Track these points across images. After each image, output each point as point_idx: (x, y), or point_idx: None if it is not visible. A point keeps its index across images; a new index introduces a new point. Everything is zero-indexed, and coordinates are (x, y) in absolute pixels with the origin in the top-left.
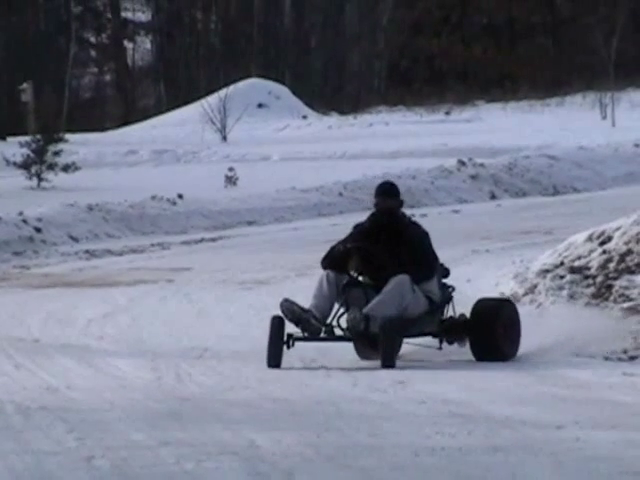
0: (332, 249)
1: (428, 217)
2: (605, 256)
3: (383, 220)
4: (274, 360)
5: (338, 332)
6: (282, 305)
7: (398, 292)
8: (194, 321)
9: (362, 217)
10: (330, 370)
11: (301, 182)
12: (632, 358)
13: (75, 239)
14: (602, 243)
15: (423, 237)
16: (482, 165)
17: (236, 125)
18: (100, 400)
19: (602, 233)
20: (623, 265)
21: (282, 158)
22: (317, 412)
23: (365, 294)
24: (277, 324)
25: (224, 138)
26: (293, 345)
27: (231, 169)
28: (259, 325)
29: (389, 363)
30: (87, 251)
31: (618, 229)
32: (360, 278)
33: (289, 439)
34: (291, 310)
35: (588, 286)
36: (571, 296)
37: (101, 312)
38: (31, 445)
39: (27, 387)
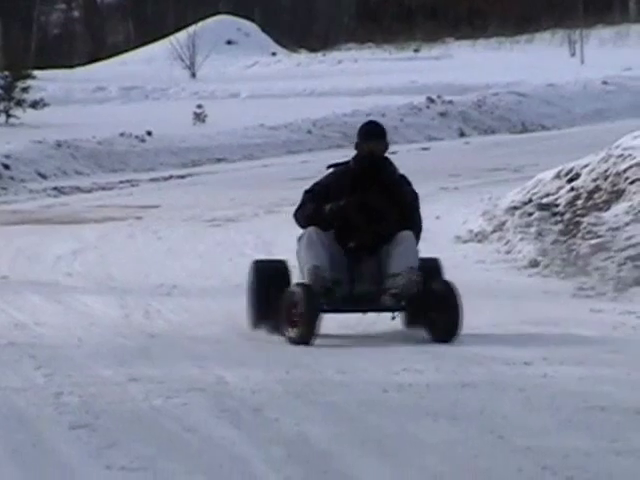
0: (318, 207)
1: (398, 154)
2: (573, 193)
3: (372, 166)
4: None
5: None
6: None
7: (414, 248)
8: (163, 258)
9: (331, 155)
10: None
11: (270, 119)
12: (599, 294)
13: (43, 176)
14: (570, 180)
15: (416, 197)
16: (451, 102)
17: (205, 62)
18: (69, 337)
19: (570, 170)
20: (591, 202)
21: (251, 95)
22: (285, 349)
23: (378, 261)
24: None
25: (193, 75)
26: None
27: (200, 106)
28: (228, 262)
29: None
30: (55, 188)
31: (586, 166)
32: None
33: (257, 375)
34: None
35: (556, 223)
36: (539, 233)
37: (70, 249)
38: None
39: None
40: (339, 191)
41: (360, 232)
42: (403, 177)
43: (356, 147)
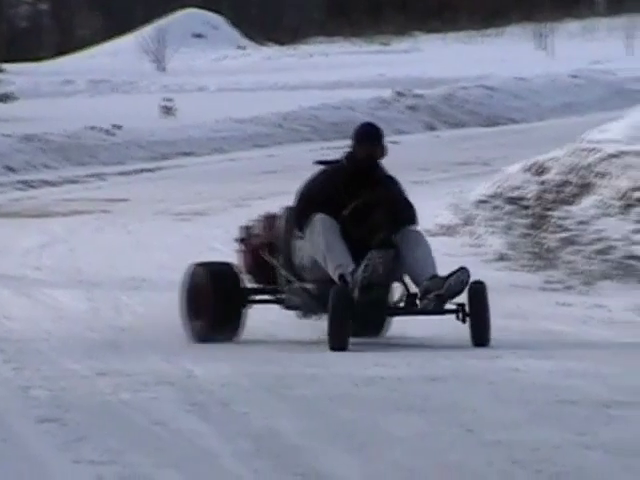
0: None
1: None
2: (542, 187)
3: (367, 169)
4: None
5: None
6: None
7: (429, 247)
8: (131, 252)
9: (300, 149)
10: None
11: (239, 113)
12: (567, 288)
13: (12, 169)
14: (539, 174)
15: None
16: (420, 96)
17: (174, 55)
18: (37, 330)
19: (539, 164)
20: (559, 196)
21: (220, 89)
22: (255, 343)
23: (395, 259)
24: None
25: (161, 68)
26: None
27: (169, 99)
28: (196, 256)
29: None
30: (24, 181)
31: (555, 160)
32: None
33: (226, 369)
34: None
35: (525, 217)
36: (508, 227)
37: (38, 242)
38: None
39: None
40: (333, 192)
41: (377, 228)
42: (391, 177)
43: (352, 149)
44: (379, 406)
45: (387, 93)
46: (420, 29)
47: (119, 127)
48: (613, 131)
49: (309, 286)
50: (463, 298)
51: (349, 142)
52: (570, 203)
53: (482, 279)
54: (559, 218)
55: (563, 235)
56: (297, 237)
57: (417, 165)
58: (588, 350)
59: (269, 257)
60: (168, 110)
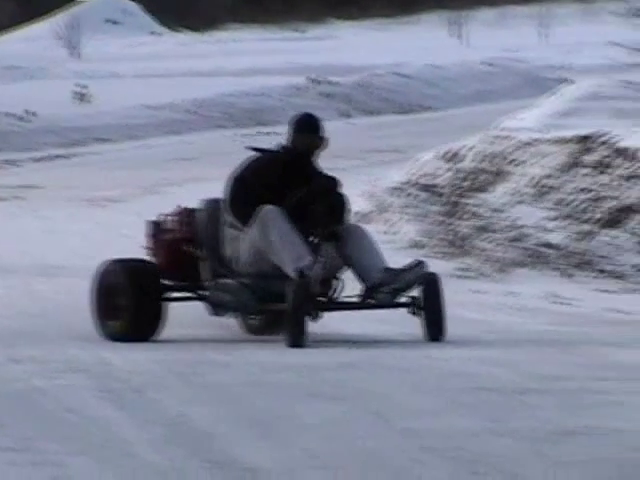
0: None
1: (282, 136)
2: (455, 174)
3: (304, 163)
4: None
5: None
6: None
7: (374, 240)
8: (46, 239)
9: (214, 135)
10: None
11: (153, 99)
12: (481, 275)
13: None
14: (453, 161)
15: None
16: (335, 83)
17: (88, 42)
18: None
19: (453, 151)
20: (473, 183)
21: (135, 75)
22: (169, 331)
23: (338, 251)
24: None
25: (76, 55)
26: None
27: (83, 86)
28: (109, 242)
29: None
30: None
31: (468, 147)
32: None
33: (140, 356)
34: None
35: (438, 204)
36: (421, 214)
37: None
38: None
39: None
40: (270, 182)
41: (319, 221)
42: (334, 180)
43: (291, 139)
44: (292, 393)
45: (302, 80)
46: (335, 16)
47: (33, 113)
48: (527, 119)
49: (245, 280)
50: (416, 291)
51: (286, 131)
52: (484, 191)
53: (394, 265)
54: (473, 206)
55: (477, 223)
56: (229, 228)
57: (331, 152)
58: (501, 337)
59: (195, 251)
60: (82, 96)
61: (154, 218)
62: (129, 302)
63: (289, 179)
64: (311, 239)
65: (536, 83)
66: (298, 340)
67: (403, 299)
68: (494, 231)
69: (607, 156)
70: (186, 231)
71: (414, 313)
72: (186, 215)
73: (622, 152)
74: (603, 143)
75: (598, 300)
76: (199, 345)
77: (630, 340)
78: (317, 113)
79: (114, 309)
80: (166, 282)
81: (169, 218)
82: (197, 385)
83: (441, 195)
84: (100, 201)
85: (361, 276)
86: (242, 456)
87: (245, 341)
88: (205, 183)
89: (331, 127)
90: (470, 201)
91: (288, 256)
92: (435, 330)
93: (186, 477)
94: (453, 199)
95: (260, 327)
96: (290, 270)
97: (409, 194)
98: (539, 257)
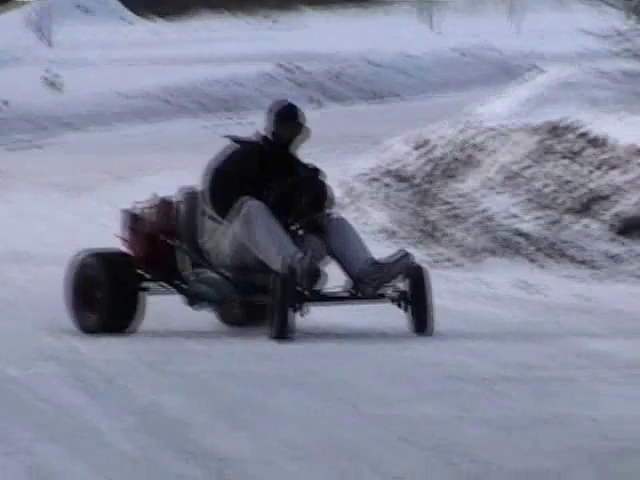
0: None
1: (256, 124)
2: (427, 162)
3: (285, 153)
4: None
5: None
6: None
7: (357, 232)
8: (15, 226)
9: (188, 124)
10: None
11: (125, 87)
12: (452, 263)
13: None
14: (424, 150)
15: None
16: (306, 72)
17: (60, 29)
18: None
19: (424, 139)
20: (444, 171)
21: (106, 63)
22: (144, 319)
23: (322, 243)
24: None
25: (47, 42)
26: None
27: (55, 74)
28: (80, 230)
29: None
30: None
31: (440, 136)
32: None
33: (112, 345)
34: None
35: (410, 192)
36: (393, 202)
37: None
38: None
39: None
40: (249, 173)
41: (304, 211)
42: (316, 170)
43: (272, 128)
44: (265, 382)
45: (274, 68)
46: (306, 4)
47: (5, 102)
48: (497, 107)
49: (226, 272)
50: (403, 284)
51: (265, 120)
52: (454, 178)
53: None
54: (444, 194)
55: (448, 211)
56: (208, 219)
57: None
58: (473, 326)
59: (173, 242)
60: (54, 84)
61: (129, 208)
62: (105, 294)
63: (270, 170)
64: (294, 228)
65: (507, 71)
66: (282, 332)
67: (391, 292)
68: (465, 219)
69: (578, 144)
70: (163, 222)
71: (399, 306)
72: (163, 205)
73: (593, 140)
74: (574, 131)
75: (569, 288)
76: (173, 336)
77: (601, 328)
78: None
79: (89, 302)
80: (142, 273)
81: (145, 208)
82: (171, 374)
83: (412, 183)
84: (72, 189)
85: (346, 268)
86: (216, 446)
87: (220, 332)
88: (177, 171)
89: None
90: (441, 189)
91: (274, 251)
92: (422, 324)
93: (159, 466)
94: (424, 187)
95: (240, 318)
96: (277, 265)
97: (380, 182)
98: (510, 245)
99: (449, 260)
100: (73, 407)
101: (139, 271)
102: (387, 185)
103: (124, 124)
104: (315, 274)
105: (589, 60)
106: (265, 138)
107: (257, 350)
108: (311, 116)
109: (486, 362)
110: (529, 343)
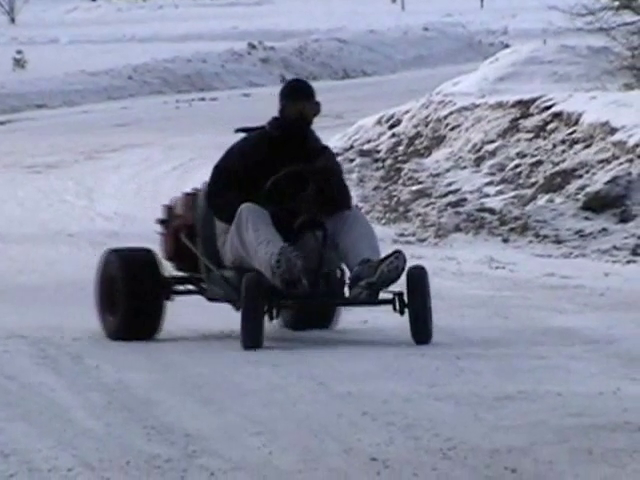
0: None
1: (219, 101)
2: (394, 139)
3: (297, 133)
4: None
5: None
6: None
7: (372, 229)
8: None
9: (152, 101)
10: None
11: (90, 65)
12: (420, 240)
13: None
14: (391, 126)
15: (342, 171)
16: (272, 49)
17: (24, 7)
18: None
19: (391, 116)
20: (412, 148)
21: (71, 41)
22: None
23: (323, 242)
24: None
25: (12, 20)
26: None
27: (19, 52)
28: (48, 209)
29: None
30: None
31: (407, 112)
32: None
33: (78, 322)
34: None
35: (377, 169)
36: (360, 179)
37: None
38: None
39: None
40: (254, 166)
41: (304, 207)
42: (327, 148)
43: (281, 110)
44: (229, 359)
45: (239, 45)
46: None
47: None
48: (465, 84)
49: (228, 274)
50: (401, 286)
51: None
52: (423, 156)
53: None
54: (412, 171)
55: (416, 187)
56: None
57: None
58: (439, 302)
59: (187, 241)
60: (18, 62)
61: (167, 202)
62: (122, 297)
63: (282, 158)
64: (300, 221)
65: (474, 48)
66: (253, 341)
67: (386, 294)
68: (433, 196)
69: (546, 121)
70: (189, 217)
71: (400, 312)
72: (191, 198)
73: (561, 117)
74: (542, 108)
75: (537, 265)
76: None
77: (568, 304)
78: (255, 79)
79: (111, 304)
80: (168, 277)
81: (179, 201)
82: (135, 351)
83: (381, 160)
84: (38, 167)
85: (348, 269)
86: (181, 422)
87: (186, 307)
88: (144, 149)
89: (269, 92)
90: (409, 166)
91: (263, 256)
92: (420, 331)
93: (125, 443)
94: (392, 164)
95: (291, 321)
96: (263, 268)
97: (348, 159)
98: (478, 222)
99: (417, 237)
100: (39, 385)
101: (166, 273)
102: (355, 162)
103: (90, 102)
104: (316, 276)
105: (556, 36)
106: (275, 121)
107: (217, 327)
108: (277, 92)
109: (453, 338)
110: (496, 319)
